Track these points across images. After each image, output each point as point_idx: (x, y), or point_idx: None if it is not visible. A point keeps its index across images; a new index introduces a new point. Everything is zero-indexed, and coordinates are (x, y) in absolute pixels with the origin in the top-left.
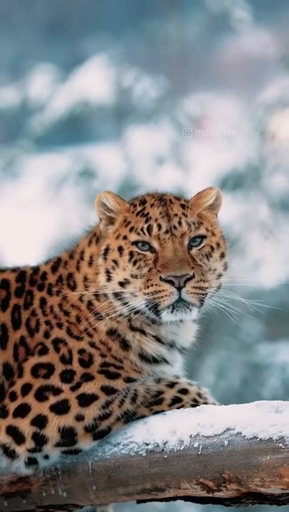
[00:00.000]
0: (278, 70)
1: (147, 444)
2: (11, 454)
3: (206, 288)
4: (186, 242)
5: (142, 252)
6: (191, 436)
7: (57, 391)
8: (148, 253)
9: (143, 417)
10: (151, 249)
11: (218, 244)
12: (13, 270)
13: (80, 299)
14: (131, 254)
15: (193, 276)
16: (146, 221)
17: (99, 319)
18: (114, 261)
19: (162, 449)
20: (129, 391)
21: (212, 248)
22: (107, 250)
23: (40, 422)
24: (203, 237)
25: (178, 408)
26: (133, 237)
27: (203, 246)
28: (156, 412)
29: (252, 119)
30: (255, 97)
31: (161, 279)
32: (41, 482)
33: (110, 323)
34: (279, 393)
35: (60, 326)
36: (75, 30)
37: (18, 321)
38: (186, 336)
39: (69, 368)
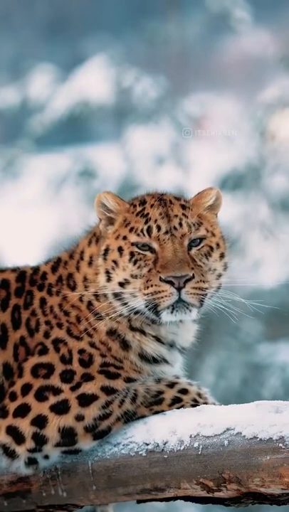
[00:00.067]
0: (278, 70)
1: (147, 444)
2: (11, 454)
3: (206, 288)
4: (186, 242)
5: (142, 252)
6: (191, 436)
7: (57, 391)
8: (148, 253)
9: (143, 417)
10: (151, 249)
11: (217, 245)
12: (13, 270)
13: (80, 299)
14: (131, 254)
15: (193, 277)
16: (146, 222)
17: (99, 319)
18: (114, 261)
19: (162, 449)
20: (129, 391)
21: (212, 248)
22: (106, 251)
23: (40, 422)
24: (203, 237)
25: (178, 408)
26: (133, 237)
27: (203, 246)
28: (156, 412)
29: (252, 119)
30: (255, 97)
31: (161, 279)
32: (41, 482)
33: (110, 324)
34: (279, 393)
35: (60, 326)
36: (75, 30)
37: (18, 321)
38: (186, 336)
39: (69, 368)
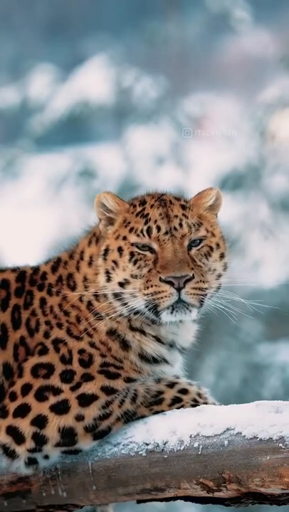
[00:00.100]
0: (278, 70)
1: (147, 444)
2: (11, 454)
3: (206, 289)
4: (186, 243)
5: (142, 253)
6: (191, 436)
7: (57, 391)
8: (148, 253)
9: (143, 417)
10: (151, 250)
11: (217, 245)
12: (13, 270)
13: (80, 299)
14: (131, 254)
15: (193, 277)
16: (146, 222)
17: (99, 319)
18: (114, 261)
19: (162, 449)
20: (129, 391)
21: (211, 248)
22: (106, 251)
23: (40, 422)
24: (203, 238)
25: (178, 408)
26: (133, 238)
27: (203, 246)
28: (156, 412)
29: (252, 119)
30: (255, 97)
31: (160, 279)
32: (41, 482)
33: (110, 324)
34: (279, 393)
35: (60, 326)
36: (75, 30)
37: (18, 321)
38: (186, 336)
39: (69, 368)
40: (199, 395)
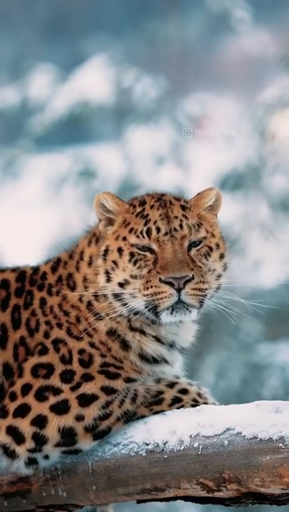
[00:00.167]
0: (278, 70)
1: (147, 444)
2: (11, 454)
3: (206, 289)
4: (186, 244)
5: (141, 253)
6: (191, 436)
7: (57, 391)
8: (148, 254)
9: (143, 417)
10: (151, 250)
11: (217, 245)
12: (13, 270)
13: (80, 299)
14: (131, 254)
15: (193, 278)
16: (146, 223)
17: (98, 319)
18: (114, 262)
19: (162, 449)
20: (129, 391)
21: (211, 249)
22: (106, 251)
23: (40, 422)
24: (203, 239)
25: (178, 408)
26: (132, 239)
27: (202, 246)
28: (156, 412)
29: (252, 119)
30: (255, 97)
31: (160, 280)
32: (41, 482)
33: (110, 324)
34: (279, 393)
35: (60, 326)
36: (75, 30)
37: (18, 321)
38: (186, 336)
39: (69, 368)
40: (199, 395)
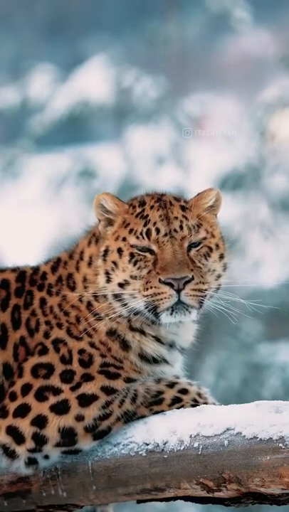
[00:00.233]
0: (278, 70)
1: (147, 444)
2: (11, 454)
3: (205, 290)
4: (185, 245)
5: (141, 254)
6: (191, 436)
7: (57, 391)
8: (147, 254)
9: (143, 417)
10: (151, 251)
11: (217, 246)
12: (13, 270)
13: (80, 299)
14: (131, 255)
15: (193, 279)
16: (145, 224)
17: (98, 320)
18: (114, 262)
19: (162, 449)
20: (129, 391)
21: (211, 249)
22: (106, 252)
23: (40, 422)
24: (202, 239)
25: (178, 408)
26: (132, 240)
27: (202, 247)
28: (156, 412)
29: (252, 119)
30: (255, 97)
31: (160, 281)
32: (41, 482)
33: (110, 324)
34: (279, 393)
35: (60, 326)
36: (75, 30)
37: (18, 321)
38: (186, 336)
39: (69, 368)
40: (199, 395)
